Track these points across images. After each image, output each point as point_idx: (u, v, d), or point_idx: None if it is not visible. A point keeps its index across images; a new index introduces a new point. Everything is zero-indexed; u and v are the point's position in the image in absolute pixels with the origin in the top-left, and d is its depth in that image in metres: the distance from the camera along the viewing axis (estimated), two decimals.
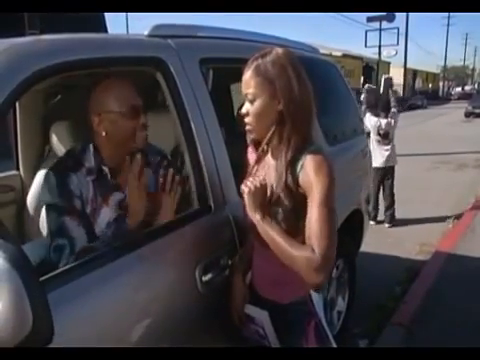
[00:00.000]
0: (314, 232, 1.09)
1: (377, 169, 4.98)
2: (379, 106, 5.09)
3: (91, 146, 1.41)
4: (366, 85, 5.25)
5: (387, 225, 4.96)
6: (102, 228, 1.38)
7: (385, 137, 4.99)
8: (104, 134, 1.36)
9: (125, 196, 1.41)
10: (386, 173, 5.04)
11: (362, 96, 5.10)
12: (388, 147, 5.01)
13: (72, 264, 1.14)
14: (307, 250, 1.08)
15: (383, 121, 4.95)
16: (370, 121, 4.95)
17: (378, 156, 4.97)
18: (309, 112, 1.18)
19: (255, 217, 1.19)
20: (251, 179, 1.22)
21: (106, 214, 1.39)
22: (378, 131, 4.98)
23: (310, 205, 1.11)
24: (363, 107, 4.90)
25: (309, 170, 1.12)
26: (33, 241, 1.72)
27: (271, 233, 1.15)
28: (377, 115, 5.00)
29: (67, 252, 1.29)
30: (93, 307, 1.10)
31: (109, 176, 1.40)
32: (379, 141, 5.00)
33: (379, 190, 5.09)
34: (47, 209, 1.36)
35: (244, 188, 1.21)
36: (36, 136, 1.99)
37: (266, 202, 1.20)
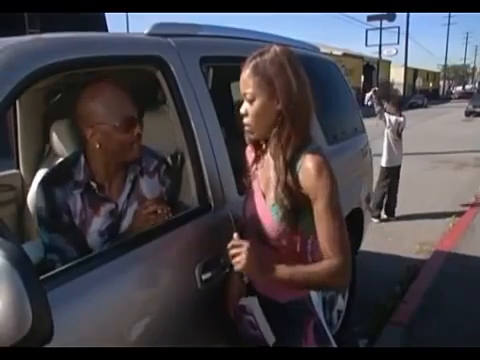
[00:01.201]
0: (327, 240, 1.13)
1: (393, 168, 5.05)
2: (395, 104, 5.11)
3: (82, 158, 1.38)
4: (373, 89, 5.23)
5: (393, 218, 5.11)
6: (94, 238, 1.37)
7: (400, 135, 5.05)
8: (98, 146, 1.32)
9: (116, 206, 1.41)
10: (398, 171, 5.13)
11: (368, 98, 5.05)
12: (401, 145, 5.09)
13: (72, 263, 1.13)
14: (325, 262, 1.13)
15: (400, 119, 5.00)
16: (390, 120, 4.95)
17: (396, 155, 5.05)
18: (308, 111, 1.18)
19: (265, 279, 1.17)
20: (236, 250, 1.15)
21: (97, 224, 1.38)
22: (398, 130, 5.01)
23: (317, 212, 1.13)
24: (377, 109, 4.89)
25: (309, 172, 1.12)
26: (33, 240, 1.72)
27: (287, 275, 1.15)
28: (391, 113, 5.02)
29: (59, 266, 1.30)
30: (93, 306, 1.10)
31: (97, 191, 1.37)
32: (396, 140, 5.04)
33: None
34: (38, 221, 1.38)
35: (237, 266, 1.15)
36: (36, 135, 1.99)
37: (262, 258, 1.16)
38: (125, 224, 1.40)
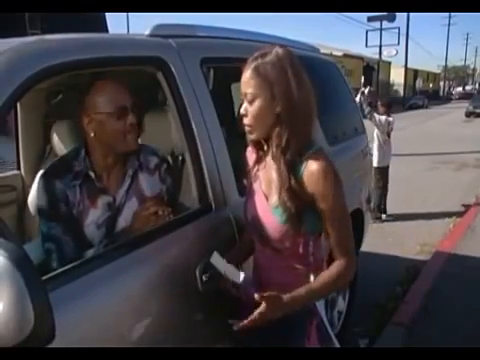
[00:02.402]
0: (336, 241, 1.18)
1: (383, 168, 5.14)
2: (384, 105, 5.19)
3: (83, 150, 1.43)
4: (366, 88, 5.26)
5: (384, 216, 5.19)
6: (92, 230, 1.39)
7: (389, 136, 5.13)
8: (92, 135, 1.37)
9: (114, 199, 1.42)
10: (388, 170, 5.21)
11: (359, 97, 5.09)
12: (390, 145, 5.17)
13: (74, 263, 1.13)
14: (333, 267, 1.18)
15: (390, 119, 5.08)
16: (381, 121, 5.02)
17: (387, 154, 5.13)
18: (309, 114, 1.17)
19: (283, 312, 1.16)
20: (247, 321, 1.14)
21: (94, 216, 1.40)
22: (388, 130, 5.09)
23: (325, 214, 1.15)
24: (367, 109, 4.92)
25: (315, 175, 1.12)
26: (34, 241, 1.72)
27: (301, 298, 1.16)
28: (380, 114, 5.09)
29: (55, 255, 1.35)
30: (94, 306, 1.10)
31: (96, 182, 1.40)
32: (386, 140, 5.12)
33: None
34: (38, 213, 1.42)
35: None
36: (37, 135, 2.00)
37: (277, 296, 1.14)
38: (122, 219, 1.42)
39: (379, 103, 5.27)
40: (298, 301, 1.16)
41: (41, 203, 1.39)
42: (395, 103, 6.10)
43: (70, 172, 1.40)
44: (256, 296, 1.11)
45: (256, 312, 1.12)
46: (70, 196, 1.38)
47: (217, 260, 1.24)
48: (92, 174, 1.40)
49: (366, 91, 5.03)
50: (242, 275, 1.18)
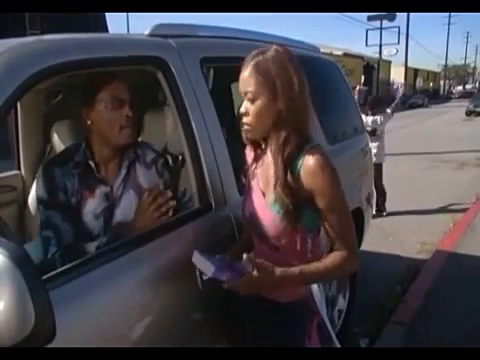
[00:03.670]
0: (338, 234, 1.17)
1: (376, 165, 5.11)
2: (367, 105, 5.37)
3: (83, 143, 1.49)
4: (358, 86, 5.36)
5: (384, 214, 5.23)
6: (89, 219, 1.43)
7: (372, 134, 5.16)
8: (89, 123, 1.43)
9: (111, 189, 1.46)
10: (380, 168, 5.18)
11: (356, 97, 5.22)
12: (375, 144, 5.16)
13: (74, 263, 1.14)
14: (335, 256, 1.17)
15: (369, 118, 5.18)
16: None
17: (374, 153, 5.11)
18: (307, 111, 1.19)
19: (273, 284, 1.17)
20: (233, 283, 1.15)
21: (92, 205, 1.43)
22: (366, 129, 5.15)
23: (324, 208, 1.15)
24: None
25: (312, 170, 1.12)
26: (35, 241, 1.73)
27: (294, 276, 1.16)
28: (365, 113, 5.18)
29: (54, 242, 1.38)
30: (94, 306, 1.11)
31: (95, 171, 1.45)
32: (370, 138, 5.14)
33: None
34: (37, 202, 1.48)
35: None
36: (37, 135, 2.00)
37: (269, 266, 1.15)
38: (120, 211, 1.45)
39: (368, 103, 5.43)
40: (291, 278, 1.16)
41: (40, 191, 1.44)
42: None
43: (70, 162, 1.45)
44: (245, 257, 1.12)
45: (246, 276, 1.13)
46: (68, 185, 1.43)
47: (197, 258, 1.22)
48: (92, 164, 1.45)
49: (357, 89, 5.10)
50: (212, 269, 1.15)
